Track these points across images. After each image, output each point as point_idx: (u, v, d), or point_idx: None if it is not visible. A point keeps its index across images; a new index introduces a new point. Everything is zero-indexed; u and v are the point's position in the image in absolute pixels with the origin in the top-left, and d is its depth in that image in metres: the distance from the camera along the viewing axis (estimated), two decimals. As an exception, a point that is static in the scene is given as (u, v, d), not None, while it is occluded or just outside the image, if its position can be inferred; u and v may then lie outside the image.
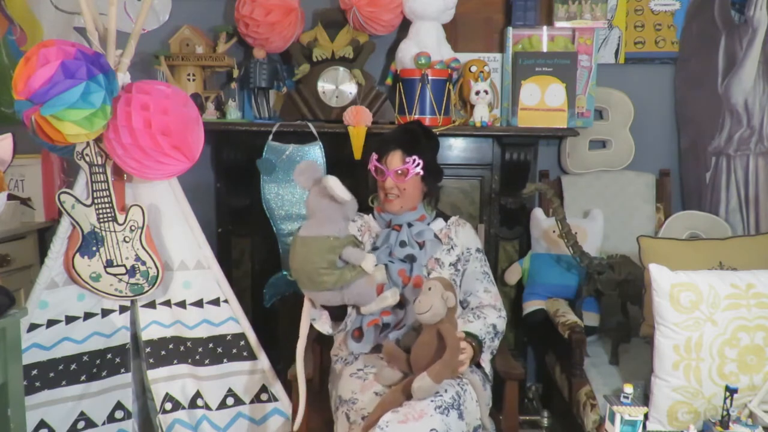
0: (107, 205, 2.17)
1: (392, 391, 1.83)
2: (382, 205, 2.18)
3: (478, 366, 2.04)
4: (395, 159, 2.11)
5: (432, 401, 1.74)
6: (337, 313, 2.09)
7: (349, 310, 2.07)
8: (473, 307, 2.12)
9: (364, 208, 2.29)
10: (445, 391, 1.79)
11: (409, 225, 2.12)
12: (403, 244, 2.08)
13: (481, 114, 2.59)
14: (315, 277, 1.94)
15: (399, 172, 2.09)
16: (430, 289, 1.84)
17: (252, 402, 2.36)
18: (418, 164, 2.09)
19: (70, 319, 2.22)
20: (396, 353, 1.91)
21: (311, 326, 2.08)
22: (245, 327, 2.36)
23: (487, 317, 2.06)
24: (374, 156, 2.14)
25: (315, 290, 1.98)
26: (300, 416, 1.98)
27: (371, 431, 1.71)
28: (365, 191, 2.35)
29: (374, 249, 2.12)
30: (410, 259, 2.08)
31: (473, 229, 2.26)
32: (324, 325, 2.07)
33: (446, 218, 2.24)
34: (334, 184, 1.91)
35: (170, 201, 2.29)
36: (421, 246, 2.10)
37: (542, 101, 2.58)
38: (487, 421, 1.95)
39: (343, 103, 2.68)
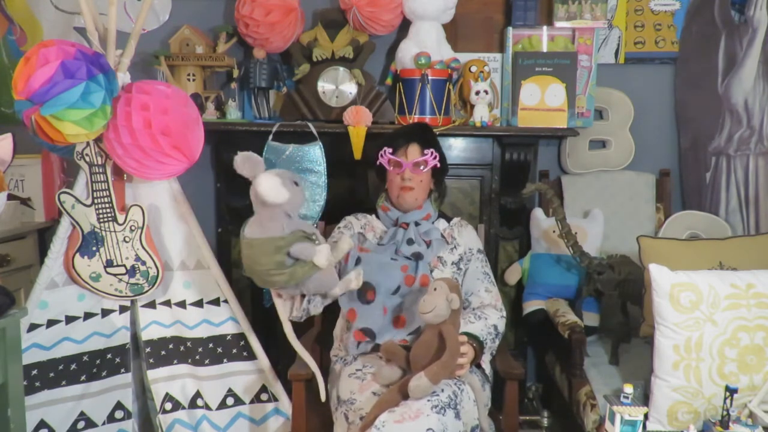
0: (107, 205, 2.18)
1: (389, 390, 1.83)
2: (395, 201, 2.19)
3: (478, 366, 2.04)
4: (414, 151, 2.16)
5: (428, 401, 1.74)
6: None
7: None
8: (474, 307, 2.13)
9: (366, 209, 2.30)
10: (442, 390, 1.78)
11: (416, 224, 2.14)
12: (410, 241, 2.11)
13: (481, 114, 2.59)
14: (266, 278, 1.90)
15: (418, 163, 2.13)
16: (435, 289, 1.85)
17: (252, 402, 2.36)
18: (436, 156, 2.16)
19: (70, 319, 2.22)
20: (395, 350, 1.91)
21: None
22: (245, 327, 2.36)
23: (488, 318, 2.06)
24: (387, 150, 2.17)
25: (272, 288, 1.97)
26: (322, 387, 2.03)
27: (368, 431, 1.71)
28: (365, 191, 2.35)
29: (378, 245, 2.14)
30: (417, 256, 2.09)
31: (474, 231, 2.29)
32: (291, 312, 2.06)
33: (448, 219, 2.27)
34: (265, 188, 1.81)
35: (170, 201, 2.29)
36: (428, 244, 2.12)
37: (542, 101, 2.58)
38: (485, 422, 1.95)
39: (343, 103, 2.67)
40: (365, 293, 2.04)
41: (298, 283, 1.92)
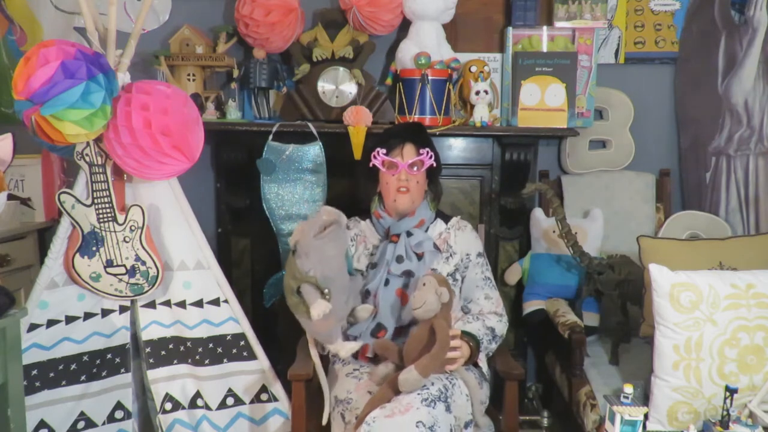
0: (107, 205, 2.17)
1: (382, 388, 1.83)
2: (390, 205, 2.13)
3: (475, 365, 2.04)
4: (409, 151, 2.11)
5: (418, 394, 1.74)
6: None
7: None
8: (474, 313, 2.12)
9: (362, 210, 2.27)
10: (432, 384, 1.79)
11: (408, 234, 2.08)
12: (400, 259, 2.05)
13: (481, 114, 2.59)
14: (286, 293, 2.00)
15: (414, 164, 2.09)
16: (424, 284, 1.86)
17: (252, 402, 2.36)
18: (431, 156, 2.11)
19: (70, 319, 2.22)
20: (388, 345, 1.93)
21: None
22: (245, 327, 2.36)
23: (486, 320, 2.06)
24: (380, 151, 2.11)
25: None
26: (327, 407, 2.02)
27: (359, 428, 1.71)
28: (365, 192, 2.34)
29: (372, 266, 2.10)
30: (408, 274, 2.05)
31: (474, 231, 2.22)
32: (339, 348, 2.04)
33: (446, 220, 2.21)
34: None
35: (170, 201, 2.29)
36: (420, 257, 2.07)
37: (542, 101, 2.58)
38: (480, 419, 1.95)
39: (343, 103, 2.67)
40: (377, 331, 2.03)
41: (298, 316, 2.00)
